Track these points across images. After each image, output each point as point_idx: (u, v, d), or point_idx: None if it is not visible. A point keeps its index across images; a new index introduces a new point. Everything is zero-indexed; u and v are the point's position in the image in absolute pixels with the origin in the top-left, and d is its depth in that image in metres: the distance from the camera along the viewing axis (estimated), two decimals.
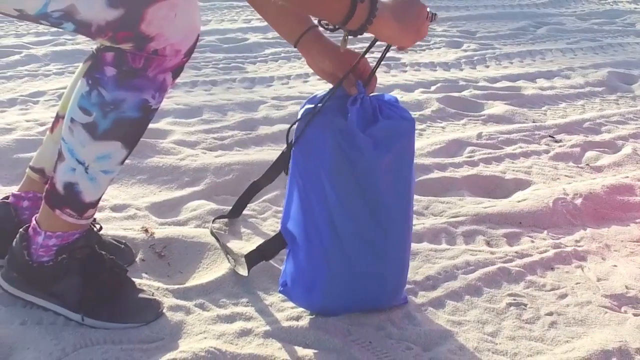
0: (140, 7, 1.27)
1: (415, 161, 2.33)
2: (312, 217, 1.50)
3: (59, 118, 1.61)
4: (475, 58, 3.94)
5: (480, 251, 1.92)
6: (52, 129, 1.64)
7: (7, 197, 1.65)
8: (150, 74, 1.34)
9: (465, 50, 4.10)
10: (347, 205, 1.49)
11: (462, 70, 3.73)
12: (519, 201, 2.20)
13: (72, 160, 1.40)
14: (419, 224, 2.04)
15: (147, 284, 1.65)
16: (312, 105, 1.51)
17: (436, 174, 2.38)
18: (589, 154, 2.69)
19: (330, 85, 1.56)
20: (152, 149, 2.37)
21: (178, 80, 3.09)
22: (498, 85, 3.47)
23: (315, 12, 1.38)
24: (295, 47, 1.61)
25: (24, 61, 3.30)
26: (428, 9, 1.45)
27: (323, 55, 1.57)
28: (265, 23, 1.66)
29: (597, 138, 2.86)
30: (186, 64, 1.42)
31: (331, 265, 1.52)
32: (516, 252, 1.92)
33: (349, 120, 1.47)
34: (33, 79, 3.08)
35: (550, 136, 2.83)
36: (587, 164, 2.59)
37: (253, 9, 1.65)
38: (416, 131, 2.63)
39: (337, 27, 1.35)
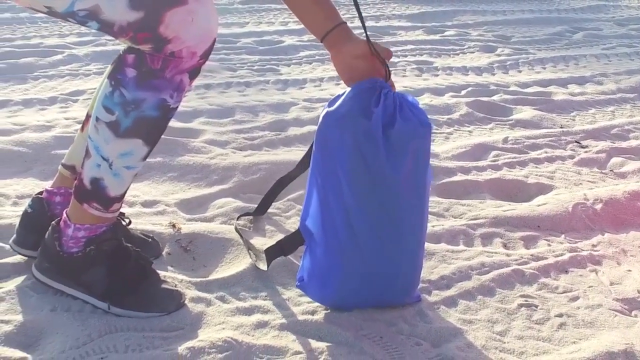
0: (159, 10, 1.35)
1: (439, 164, 2.42)
2: (329, 215, 1.56)
3: (88, 117, 1.70)
4: (508, 63, 3.97)
5: (496, 253, 1.97)
6: (82, 128, 1.73)
7: (40, 193, 1.75)
8: (167, 74, 1.42)
9: (499, 55, 4.13)
10: (363, 204, 1.55)
11: (494, 74, 3.76)
12: (538, 205, 2.24)
13: (97, 157, 1.49)
14: (438, 225, 2.09)
15: (171, 276, 1.73)
16: (333, 107, 1.57)
17: (459, 177, 2.43)
18: (615, 160, 2.71)
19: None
20: (183, 148, 2.46)
21: (213, 80, 3.21)
22: (529, 90, 3.50)
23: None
24: (321, 42, 1.65)
25: (66, 61, 3.42)
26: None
27: (348, 52, 1.62)
28: (301, 25, 1.72)
29: (624, 144, 2.87)
30: (203, 65, 1.49)
31: (346, 262, 1.58)
32: (532, 255, 1.97)
33: (374, 121, 1.52)
34: (74, 78, 3.19)
35: (576, 142, 2.85)
36: (611, 170, 2.61)
37: (290, 12, 1.71)
38: (443, 134, 2.73)
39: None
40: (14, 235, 1.74)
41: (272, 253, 1.72)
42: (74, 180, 1.66)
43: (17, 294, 1.62)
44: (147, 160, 2.20)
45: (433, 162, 2.49)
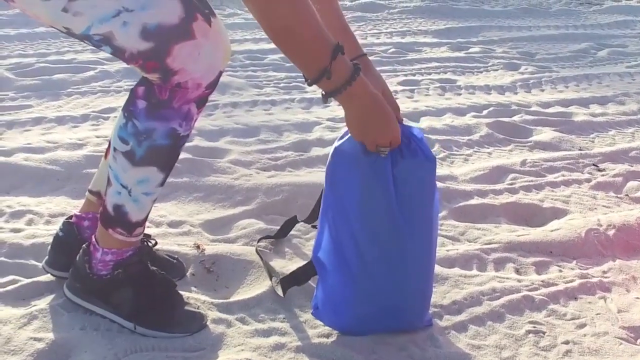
0: (168, 43, 1.44)
1: (457, 187, 2.49)
2: (340, 248, 1.64)
3: (110, 145, 1.80)
4: (532, 81, 4.01)
5: (508, 278, 2.03)
6: (105, 155, 1.83)
7: (70, 217, 1.85)
8: (175, 104, 1.51)
9: (522, 73, 4.17)
10: (372, 237, 1.63)
11: (516, 94, 3.81)
12: (552, 230, 2.30)
13: (117, 185, 1.59)
14: (452, 249, 2.16)
15: (194, 297, 1.82)
16: (342, 143, 1.64)
17: (476, 201, 2.50)
18: (631, 184, 2.76)
19: None
20: (209, 168, 2.56)
21: (240, 99, 3.31)
22: (550, 110, 3.55)
23: (296, 53, 1.47)
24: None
25: (98, 77, 3.54)
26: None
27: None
28: None
29: None
30: (210, 94, 1.58)
31: (357, 292, 1.66)
32: (542, 281, 2.03)
33: (382, 158, 1.60)
34: (105, 94, 3.31)
35: (594, 164, 2.90)
36: (627, 194, 2.66)
37: None
38: (462, 156, 2.80)
39: (310, 82, 1.46)
40: (47, 257, 1.85)
41: (286, 283, 1.80)
42: (100, 205, 1.76)
43: (49, 312, 1.72)
44: (175, 180, 2.33)
45: (451, 184, 2.57)
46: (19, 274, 1.89)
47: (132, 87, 3.21)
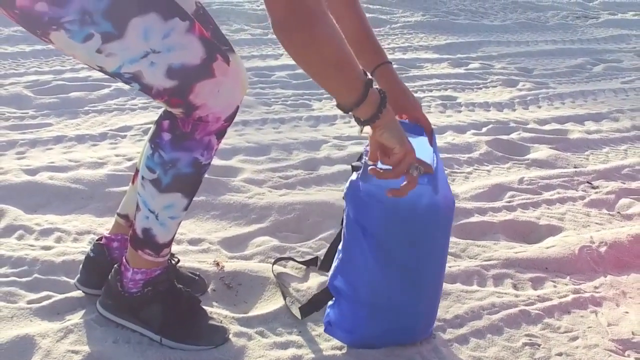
0: (190, 81, 1.58)
1: (458, 205, 2.63)
2: (355, 276, 1.79)
3: (137, 172, 1.94)
4: (529, 98, 4.16)
5: (506, 294, 2.18)
6: (133, 181, 1.98)
7: (100, 239, 2.00)
8: (197, 136, 1.66)
9: (520, 90, 4.33)
10: (388, 269, 1.77)
11: (514, 110, 3.97)
12: (547, 247, 2.45)
13: (145, 210, 1.74)
14: (454, 265, 2.31)
15: (216, 312, 1.97)
16: (364, 176, 1.73)
17: (476, 218, 2.65)
18: (623, 201, 2.91)
19: None
20: (224, 187, 2.71)
21: (250, 117, 3.46)
22: (546, 127, 3.70)
23: (331, 84, 1.55)
24: (371, 76, 1.83)
25: (113, 95, 3.68)
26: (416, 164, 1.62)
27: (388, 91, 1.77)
28: None
29: (634, 185, 3.07)
30: (229, 127, 1.72)
31: (370, 315, 1.81)
32: (538, 296, 2.18)
33: (410, 203, 1.69)
34: (121, 112, 3.46)
35: (588, 182, 3.05)
36: (619, 212, 2.81)
37: None
38: (463, 174, 2.95)
39: (348, 111, 1.55)
40: (78, 275, 2.00)
41: (306, 310, 1.93)
42: (128, 227, 1.91)
43: (83, 326, 1.87)
44: (195, 198, 2.48)
45: None
46: (53, 289, 2.04)
47: (146, 105, 3.39)
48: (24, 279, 2.07)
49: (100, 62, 1.57)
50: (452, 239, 2.48)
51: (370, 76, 1.61)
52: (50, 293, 2.03)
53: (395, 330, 1.85)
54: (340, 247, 1.84)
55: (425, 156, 1.75)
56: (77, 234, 2.34)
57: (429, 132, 1.89)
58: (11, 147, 2.95)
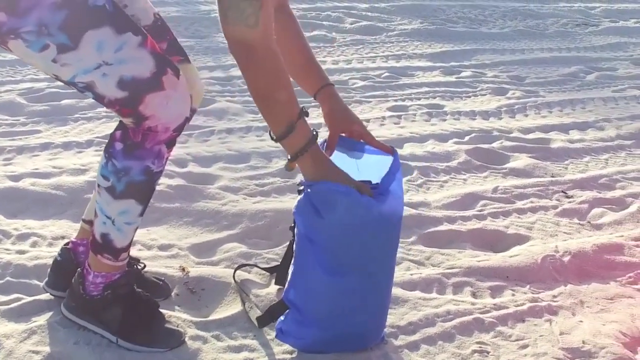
0: (140, 93, 1.67)
1: (428, 213, 2.70)
2: (308, 286, 1.85)
3: None
4: (517, 107, 4.21)
5: (463, 302, 2.24)
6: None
7: (67, 244, 2.08)
8: (147, 145, 1.74)
9: (509, 98, 4.37)
10: (336, 279, 1.82)
11: (500, 119, 4.01)
12: (510, 256, 2.50)
13: (102, 216, 1.82)
14: (416, 273, 2.37)
15: (177, 315, 2.05)
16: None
17: (445, 227, 2.70)
18: (595, 210, 2.95)
19: None
20: (200, 194, 2.78)
21: (235, 124, 3.52)
22: (529, 136, 3.75)
23: (263, 114, 1.73)
24: (314, 99, 2.02)
25: None
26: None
27: (327, 112, 1.99)
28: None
29: (609, 194, 3.11)
30: (178, 137, 1.83)
31: (320, 326, 1.87)
32: (494, 304, 2.23)
33: (357, 217, 1.78)
34: (109, 120, 3.54)
35: (562, 191, 3.10)
36: (589, 221, 2.85)
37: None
38: (439, 183, 3.02)
39: (277, 138, 1.72)
40: (47, 278, 2.08)
41: (264, 320, 1.98)
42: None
43: (47, 327, 1.95)
44: (167, 205, 2.56)
45: (423, 211, 2.78)
46: (23, 292, 2.13)
47: None
48: None
49: (56, 71, 1.66)
50: (418, 247, 2.55)
51: (304, 115, 1.73)
52: (20, 295, 2.11)
53: (346, 336, 1.91)
54: (292, 260, 1.90)
55: (372, 174, 1.84)
56: (52, 239, 2.42)
57: (380, 147, 1.97)
58: None
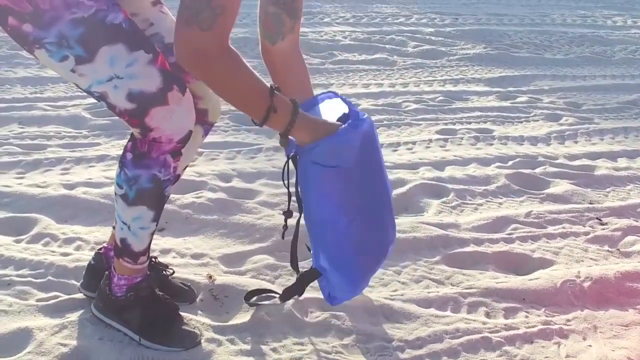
0: (147, 106, 1.82)
1: (457, 235, 2.80)
2: (333, 241, 2.02)
3: None
4: (567, 133, 4.21)
5: (475, 320, 2.31)
6: None
7: (100, 249, 2.26)
8: (153, 155, 1.89)
9: (561, 124, 4.38)
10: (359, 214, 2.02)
11: (549, 145, 4.03)
12: (530, 279, 2.55)
13: (120, 222, 1.99)
14: (434, 291, 2.45)
15: (197, 319, 2.19)
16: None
17: (471, 248, 2.77)
18: (628, 238, 2.96)
19: None
20: (238, 208, 2.93)
21: None
22: (575, 163, 3.75)
23: (238, 108, 1.81)
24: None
25: None
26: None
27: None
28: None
29: None
30: (182, 148, 1.95)
31: (360, 265, 2.09)
32: (505, 325, 2.29)
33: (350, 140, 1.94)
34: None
35: (597, 218, 3.11)
36: (618, 249, 2.86)
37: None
38: (473, 205, 3.08)
39: (261, 122, 1.79)
40: (82, 280, 2.26)
41: (292, 291, 2.16)
42: None
43: (77, 323, 2.13)
44: (205, 217, 2.71)
45: (452, 232, 2.85)
46: (61, 290, 2.32)
47: None
48: (38, 280, 2.36)
49: (75, 80, 1.84)
50: (441, 267, 2.62)
51: (276, 93, 1.79)
52: (58, 294, 2.30)
53: (377, 255, 2.14)
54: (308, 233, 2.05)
55: (341, 110, 2.02)
56: (94, 244, 2.61)
57: None
58: (58, 164, 3.28)
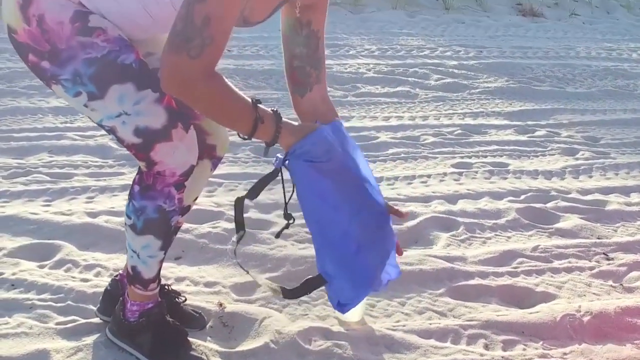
0: (151, 141, 1.94)
1: (463, 267, 2.88)
2: (336, 242, 2.10)
3: None
4: (582, 168, 4.28)
5: (472, 352, 2.39)
6: None
7: (117, 276, 2.39)
8: (158, 187, 2.02)
9: (577, 159, 4.44)
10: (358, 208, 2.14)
11: (563, 179, 4.10)
12: (530, 313, 2.62)
13: (130, 251, 2.12)
14: (435, 323, 2.54)
15: (205, 345, 2.31)
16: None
17: (475, 281, 2.85)
18: (633, 274, 3.01)
19: None
20: (252, 238, 3.05)
21: None
22: (587, 197, 3.82)
23: (225, 126, 1.93)
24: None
25: None
26: None
27: None
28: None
29: None
30: (185, 181, 2.05)
31: (366, 267, 2.17)
32: (502, 357, 2.37)
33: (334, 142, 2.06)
34: None
35: (604, 253, 3.18)
36: (622, 284, 2.92)
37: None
38: (482, 239, 3.15)
39: (249, 135, 1.86)
40: (98, 304, 2.39)
41: (296, 292, 2.20)
42: None
43: (92, 346, 2.26)
44: (221, 246, 2.83)
45: (457, 265, 2.94)
46: (79, 315, 2.45)
47: None
48: (58, 304, 2.50)
49: (88, 114, 1.98)
50: (445, 299, 2.71)
51: (258, 103, 1.89)
52: (76, 317, 2.43)
53: (381, 253, 2.22)
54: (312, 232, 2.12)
55: None
56: (114, 271, 2.74)
57: None
58: (84, 192, 3.43)
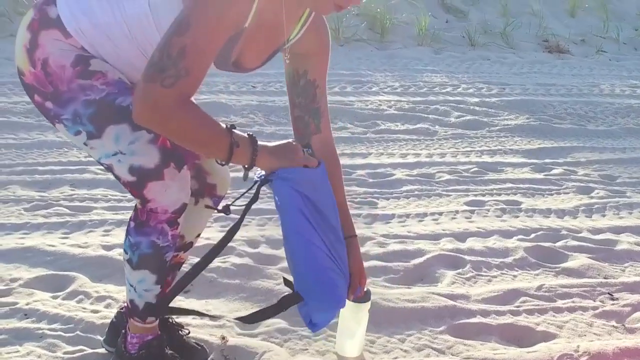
0: (145, 180, 2.04)
1: (465, 306, 2.93)
2: (317, 262, 2.15)
3: None
4: (596, 207, 4.30)
5: None
6: None
7: (122, 308, 2.48)
8: (151, 224, 2.11)
9: (591, 197, 4.46)
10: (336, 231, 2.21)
11: (575, 218, 4.12)
12: (528, 352, 2.66)
13: (128, 284, 2.21)
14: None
15: None
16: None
17: (476, 319, 2.89)
18: (637, 314, 3.03)
19: None
20: (259, 273, 3.13)
21: None
22: (597, 237, 3.84)
23: (201, 152, 2.02)
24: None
25: None
26: (303, 150, 2.06)
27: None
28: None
29: None
30: (178, 218, 2.14)
31: (336, 287, 2.21)
32: None
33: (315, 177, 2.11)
34: None
35: (609, 293, 3.20)
36: (624, 325, 2.94)
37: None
38: (487, 277, 3.19)
39: (226, 161, 1.90)
40: (105, 336, 2.49)
41: (270, 311, 2.26)
42: None
43: None
44: (229, 281, 2.92)
45: (460, 303, 2.99)
46: (86, 345, 2.54)
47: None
48: (67, 335, 2.60)
49: (88, 151, 2.10)
50: (444, 337, 2.76)
51: (233, 129, 1.92)
52: (84, 347, 2.53)
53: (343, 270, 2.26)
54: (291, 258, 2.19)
55: None
56: (123, 302, 2.84)
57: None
58: (101, 225, 3.55)
